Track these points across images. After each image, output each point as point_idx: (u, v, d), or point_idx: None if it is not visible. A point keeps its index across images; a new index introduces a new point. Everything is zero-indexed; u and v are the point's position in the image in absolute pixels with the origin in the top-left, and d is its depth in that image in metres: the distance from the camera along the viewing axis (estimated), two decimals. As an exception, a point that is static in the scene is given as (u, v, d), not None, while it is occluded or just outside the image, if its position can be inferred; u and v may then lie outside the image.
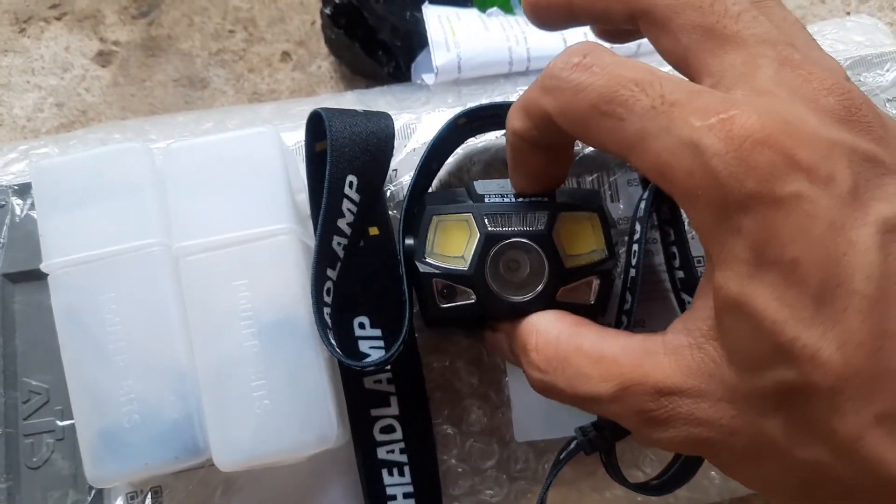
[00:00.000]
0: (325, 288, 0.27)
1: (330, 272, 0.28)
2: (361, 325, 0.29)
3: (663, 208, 0.29)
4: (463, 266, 0.25)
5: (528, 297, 0.25)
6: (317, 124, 0.28)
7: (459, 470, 0.30)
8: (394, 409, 0.30)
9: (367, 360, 0.28)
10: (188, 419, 0.26)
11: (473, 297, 0.25)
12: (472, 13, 0.38)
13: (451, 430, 0.31)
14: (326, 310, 0.27)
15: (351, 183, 0.27)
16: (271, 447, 0.26)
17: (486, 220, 0.25)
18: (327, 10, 0.41)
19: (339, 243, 0.28)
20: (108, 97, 0.43)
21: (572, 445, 0.25)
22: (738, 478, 0.20)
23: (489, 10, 0.39)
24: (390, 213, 0.31)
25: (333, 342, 0.26)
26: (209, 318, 0.27)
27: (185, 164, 0.28)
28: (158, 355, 0.27)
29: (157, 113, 0.43)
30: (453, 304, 0.26)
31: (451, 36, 0.35)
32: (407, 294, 0.27)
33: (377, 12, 0.39)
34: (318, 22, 0.44)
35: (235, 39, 0.44)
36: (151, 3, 0.45)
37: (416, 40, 0.39)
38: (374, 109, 0.35)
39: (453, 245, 0.26)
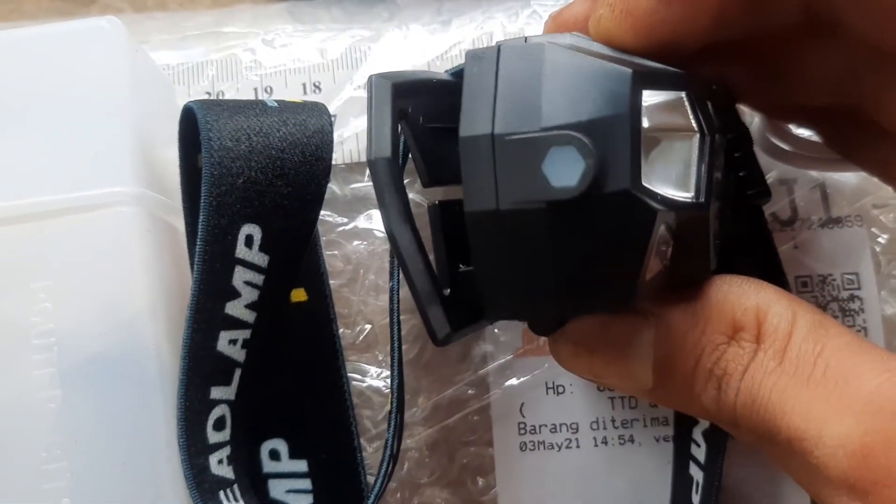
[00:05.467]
0: (212, 421, 0.16)
1: (220, 391, 0.16)
2: (274, 455, 0.18)
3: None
4: (687, 192, 0.13)
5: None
6: (192, 127, 0.16)
7: None
8: None
9: None
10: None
11: (683, 249, 0.13)
12: None
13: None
14: (218, 455, 0.16)
15: (249, 239, 0.16)
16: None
17: (699, 107, 0.13)
18: None
19: (232, 341, 0.16)
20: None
21: None
22: None
23: None
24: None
25: None
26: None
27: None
28: None
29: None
30: (660, 270, 0.13)
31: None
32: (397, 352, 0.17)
33: None
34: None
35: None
36: None
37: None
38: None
39: (671, 157, 0.13)
